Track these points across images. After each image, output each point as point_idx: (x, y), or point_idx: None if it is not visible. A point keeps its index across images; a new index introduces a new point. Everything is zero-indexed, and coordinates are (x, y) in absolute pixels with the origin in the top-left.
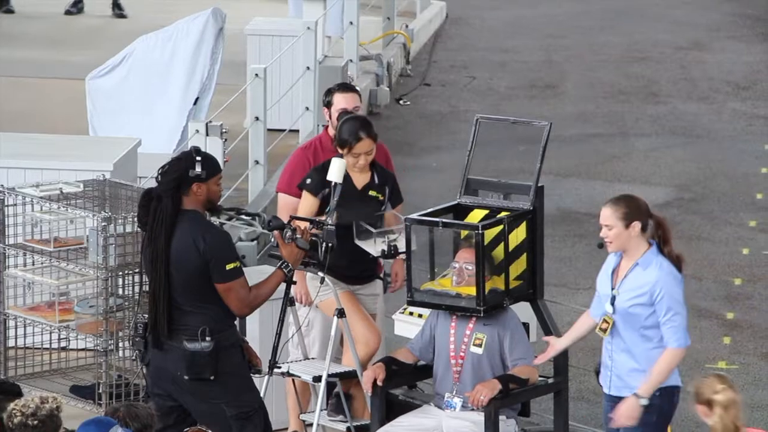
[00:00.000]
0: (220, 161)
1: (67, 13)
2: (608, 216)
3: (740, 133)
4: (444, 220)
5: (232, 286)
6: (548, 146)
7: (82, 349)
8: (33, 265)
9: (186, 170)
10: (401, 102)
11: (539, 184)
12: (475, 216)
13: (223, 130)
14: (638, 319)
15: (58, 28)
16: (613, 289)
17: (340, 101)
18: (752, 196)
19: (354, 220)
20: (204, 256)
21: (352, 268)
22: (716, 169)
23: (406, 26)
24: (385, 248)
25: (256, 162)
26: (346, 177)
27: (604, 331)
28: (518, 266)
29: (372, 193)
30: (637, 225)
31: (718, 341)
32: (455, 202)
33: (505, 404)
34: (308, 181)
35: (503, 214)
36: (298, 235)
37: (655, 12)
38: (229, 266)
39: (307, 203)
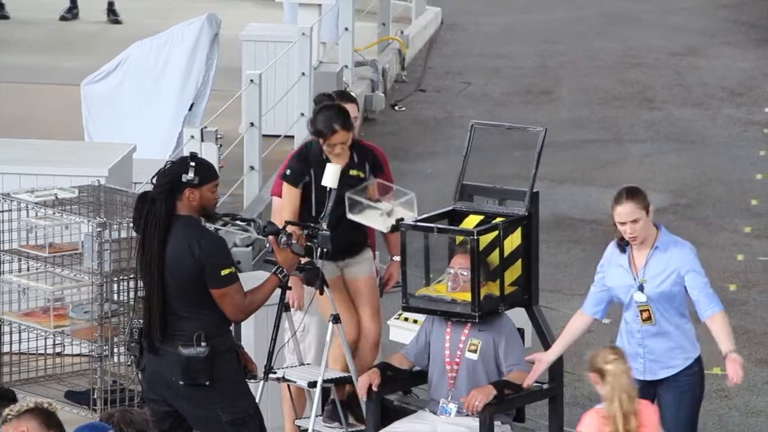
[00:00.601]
0: (216, 167)
1: (62, 18)
2: (633, 210)
3: (735, 139)
4: (439, 225)
5: (228, 292)
6: (543, 152)
7: (77, 355)
8: (28, 270)
9: (179, 174)
10: (396, 108)
11: (534, 190)
12: (471, 222)
13: (219, 136)
14: (674, 298)
15: (53, 34)
16: (635, 279)
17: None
18: (747, 202)
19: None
20: (199, 262)
21: (345, 241)
22: (711, 175)
23: (401, 32)
24: (393, 223)
25: (251, 168)
26: (326, 160)
27: (648, 319)
28: (513, 272)
29: (353, 172)
30: (651, 209)
31: (714, 346)
32: (450, 208)
33: (500, 410)
34: (288, 172)
35: (498, 219)
36: (293, 241)
37: (650, 18)
38: (224, 272)
39: (289, 194)
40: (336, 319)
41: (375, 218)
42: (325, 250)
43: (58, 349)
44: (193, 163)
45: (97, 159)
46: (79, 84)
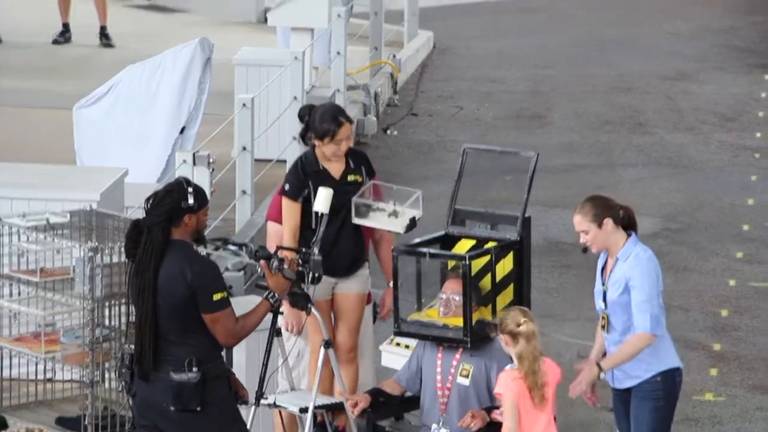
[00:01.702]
0: (208, 191)
1: (55, 42)
2: (579, 222)
3: (727, 164)
4: (431, 250)
5: (219, 317)
6: (535, 176)
7: (68, 380)
8: (19, 295)
9: (179, 202)
10: (388, 132)
11: (526, 215)
12: (463, 246)
13: (211, 160)
14: (627, 309)
15: (46, 58)
16: (603, 285)
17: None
18: (739, 228)
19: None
20: (191, 287)
21: (343, 260)
22: (703, 200)
23: (394, 56)
24: (407, 222)
25: (243, 192)
26: (323, 171)
27: (603, 327)
28: (505, 297)
29: (351, 178)
30: (608, 221)
31: (705, 373)
32: (442, 233)
33: None
34: (287, 187)
35: (490, 244)
36: (285, 266)
37: (641, 43)
38: (216, 297)
39: (289, 209)
40: (327, 345)
41: (384, 220)
42: (316, 275)
43: (49, 375)
44: (190, 189)
45: (89, 183)
46: (71, 108)
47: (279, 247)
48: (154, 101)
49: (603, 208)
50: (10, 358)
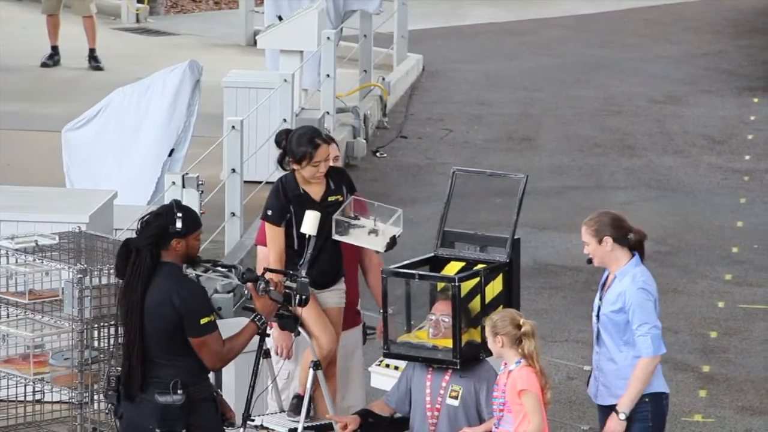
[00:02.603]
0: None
1: (44, 65)
2: (583, 233)
3: (716, 187)
4: (420, 272)
5: (206, 341)
6: (524, 199)
7: (57, 402)
8: (8, 317)
9: (166, 226)
10: (378, 154)
11: (516, 237)
12: (452, 268)
13: (200, 182)
14: (618, 327)
15: (35, 81)
16: (599, 300)
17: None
18: (728, 250)
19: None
20: (179, 311)
21: (324, 277)
22: (692, 223)
23: (383, 79)
24: (388, 240)
25: (233, 214)
26: (304, 194)
27: (596, 340)
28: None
29: (331, 198)
30: (608, 240)
31: (694, 394)
32: (432, 255)
33: None
34: (269, 212)
35: (480, 266)
36: (271, 288)
37: (630, 66)
38: (203, 321)
39: (273, 235)
40: (317, 366)
41: (364, 238)
42: (303, 297)
43: (38, 396)
44: (179, 213)
45: (78, 205)
46: (60, 130)
47: (266, 270)
48: (143, 123)
49: (606, 226)
50: None
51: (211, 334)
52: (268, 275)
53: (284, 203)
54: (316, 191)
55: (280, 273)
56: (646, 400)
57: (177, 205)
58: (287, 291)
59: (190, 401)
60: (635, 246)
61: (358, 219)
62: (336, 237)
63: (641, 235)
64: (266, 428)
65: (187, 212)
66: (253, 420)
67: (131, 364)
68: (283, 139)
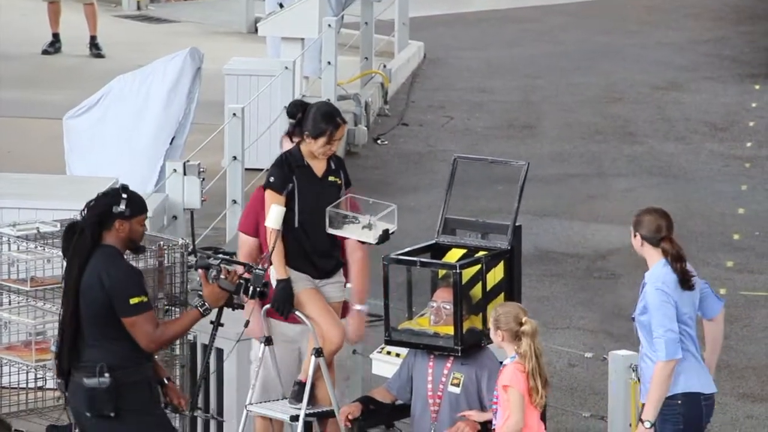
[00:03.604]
0: (198, 200)
1: (44, 53)
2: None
3: (717, 174)
4: (422, 259)
5: (136, 321)
6: (526, 186)
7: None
8: (9, 304)
9: (110, 206)
10: (379, 141)
11: (517, 224)
12: (453, 255)
13: (201, 170)
14: (646, 328)
15: (36, 68)
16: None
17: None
18: (729, 237)
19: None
20: (108, 291)
21: (323, 262)
22: (693, 210)
23: (384, 66)
24: (380, 233)
25: (234, 201)
26: (308, 166)
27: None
28: (501, 304)
29: (331, 178)
30: (639, 237)
31: None
32: (433, 242)
33: None
34: (271, 179)
35: (481, 253)
36: (222, 276)
37: (631, 53)
38: (133, 300)
39: (274, 201)
40: (318, 353)
41: (357, 231)
42: (258, 289)
43: (39, 383)
44: (125, 195)
45: (79, 193)
46: (61, 118)
47: (224, 259)
48: (144, 111)
49: (642, 225)
50: (1, 366)
51: (141, 315)
52: (223, 265)
53: (287, 173)
54: (318, 167)
55: (238, 264)
56: (679, 402)
57: (124, 188)
58: (241, 282)
59: (118, 384)
60: (671, 258)
61: (353, 215)
62: (330, 231)
63: (676, 249)
64: (215, 417)
65: (134, 196)
66: (200, 408)
67: (62, 344)
68: (297, 111)
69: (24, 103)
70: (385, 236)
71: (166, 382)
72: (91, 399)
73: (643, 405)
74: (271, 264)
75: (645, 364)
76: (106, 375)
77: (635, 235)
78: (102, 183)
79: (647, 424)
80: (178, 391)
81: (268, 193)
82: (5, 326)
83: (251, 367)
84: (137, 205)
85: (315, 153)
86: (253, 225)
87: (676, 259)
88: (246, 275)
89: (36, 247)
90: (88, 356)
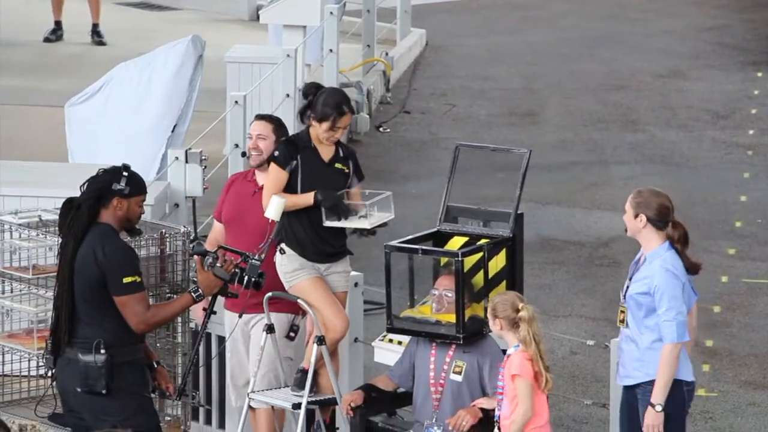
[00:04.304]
0: (200, 188)
1: (46, 40)
2: (628, 200)
3: (719, 162)
4: (424, 247)
5: (128, 301)
6: (528, 174)
7: None
8: (11, 292)
9: (110, 183)
10: (381, 129)
11: (519, 212)
12: (455, 243)
13: (203, 158)
14: (641, 308)
15: (37, 56)
16: (629, 279)
17: (254, 128)
18: (731, 224)
19: (323, 190)
20: (101, 267)
21: (329, 245)
22: (695, 197)
23: (386, 54)
24: (375, 222)
25: None
26: (314, 149)
27: (621, 321)
28: (498, 293)
29: (338, 165)
30: (642, 218)
31: (698, 369)
32: (435, 230)
33: (484, 431)
34: (276, 153)
35: (483, 241)
36: (218, 264)
37: (633, 40)
38: (126, 280)
39: (276, 176)
40: (320, 341)
41: (354, 221)
42: (253, 279)
43: (41, 371)
44: (125, 174)
45: (81, 180)
46: (63, 105)
47: (221, 247)
48: (145, 98)
49: (648, 206)
50: (3, 354)
51: (133, 295)
52: (220, 252)
53: (293, 151)
54: (326, 152)
55: (235, 253)
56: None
57: (125, 167)
58: (236, 271)
59: (113, 362)
60: (675, 238)
61: (356, 211)
62: (327, 223)
63: (682, 229)
64: (203, 405)
65: (135, 175)
66: (187, 395)
67: (59, 321)
68: (311, 92)
69: (25, 91)
70: (382, 223)
71: (155, 366)
72: (85, 375)
73: (628, 387)
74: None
75: (628, 346)
76: (102, 351)
77: (637, 216)
78: None
79: (658, 408)
80: (167, 376)
81: (272, 167)
82: (7, 314)
83: (252, 355)
84: (137, 184)
85: (320, 137)
86: (219, 211)
87: (684, 243)
88: (242, 264)
89: (38, 235)
90: (83, 333)
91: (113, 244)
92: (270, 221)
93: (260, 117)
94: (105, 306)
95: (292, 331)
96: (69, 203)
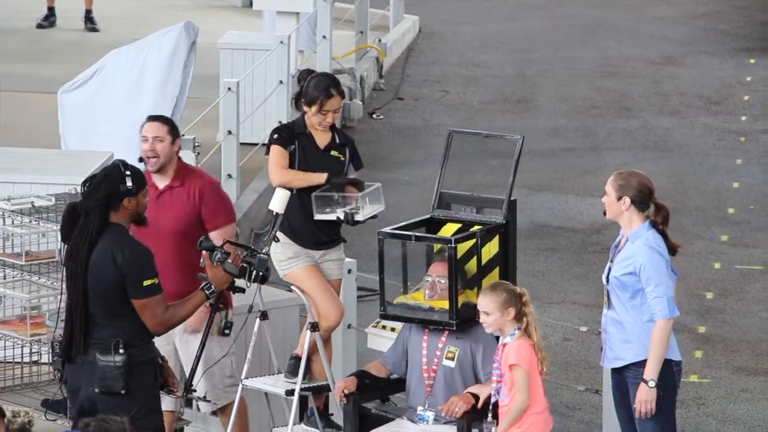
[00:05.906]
0: None
1: (39, 26)
2: (608, 183)
3: (712, 148)
4: (417, 233)
5: (148, 303)
6: (521, 160)
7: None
8: (4, 278)
9: (117, 186)
10: (374, 116)
11: (512, 198)
12: (448, 230)
13: (196, 144)
14: (626, 289)
15: (30, 42)
16: (610, 261)
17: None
18: (724, 211)
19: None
20: (121, 270)
21: (323, 233)
22: (688, 184)
23: (379, 40)
24: (346, 214)
25: (229, 176)
26: (309, 135)
27: (605, 303)
28: (491, 280)
29: (334, 152)
30: (626, 200)
31: (690, 355)
32: (428, 216)
33: (477, 417)
34: (275, 136)
35: (476, 227)
36: (228, 260)
37: (627, 27)
38: (146, 282)
39: (279, 154)
40: (314, 328)
41: (342, 213)
42: (260, 273)
43: (34, 358)
44: (128, 172)
45: (74, 167)
46: (56, 92)
47: (227, 241)
48: (139, 85)
49: (631, 187)
50: None
51: (153, 297)
52: (227, 247)
53: (290, 133)
54: (321, 139)
55: (241, 247)
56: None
57: (123, 164)
58: (244, 265)
59: (131, 363)
60: (657, 219)
61: (341, 199)
62: (318, 216)
63: (665, 210)
64: (208, 400)
65: (135, 170)
66: (195, 390)
67: (74, 326)
68: (304, 78)
69: (18, 77)
70: (348, 221)
71: (160, 362)
72: (104, 375)
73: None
74: (275, 240)
75: (614, 329)
76: (122, 351)
77: (620, 198)
78: (97, 157)
79: (651, 383)
80: (173, 373)
81: (274, 148)
82: (0, 301)
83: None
84: (140, 178)
85: (313, 123)
86: None
87: (665, 223)
88: (249, 259)
89: (31, 222)
90: (98, 335)
91: (131, 246)
92: (274, 213)
93: (154, 118)
94: (121, 307)
95: (227, 327)
96: (73, 210)
